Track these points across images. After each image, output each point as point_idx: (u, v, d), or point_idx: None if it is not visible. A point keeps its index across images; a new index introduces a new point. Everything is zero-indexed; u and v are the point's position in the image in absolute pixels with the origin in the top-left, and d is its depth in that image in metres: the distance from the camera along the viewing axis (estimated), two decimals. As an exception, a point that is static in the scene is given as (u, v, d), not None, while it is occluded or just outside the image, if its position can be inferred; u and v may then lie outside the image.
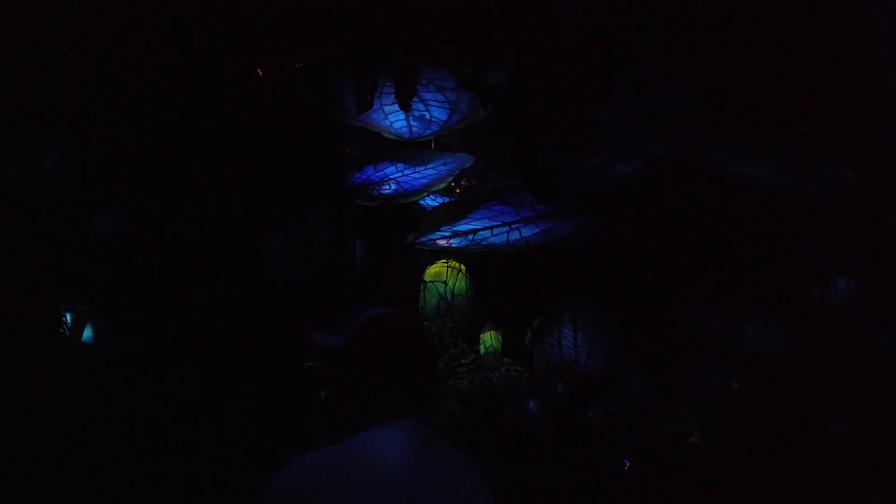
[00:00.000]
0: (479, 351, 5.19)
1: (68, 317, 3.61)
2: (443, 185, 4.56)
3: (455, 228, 4.66)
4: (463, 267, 5.21)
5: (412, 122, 4.21)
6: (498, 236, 4.75)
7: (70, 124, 3.90)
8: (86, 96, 3.94)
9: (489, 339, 5.22)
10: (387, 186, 4.54)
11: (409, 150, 4.42)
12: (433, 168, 4.43)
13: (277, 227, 4.97)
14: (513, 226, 4.67)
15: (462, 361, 5.14)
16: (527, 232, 4.70)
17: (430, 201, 5.13)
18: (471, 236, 4.72)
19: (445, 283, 5.13)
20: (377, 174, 4.41)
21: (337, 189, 4.82)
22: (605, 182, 3.36)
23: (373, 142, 4.58)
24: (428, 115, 4.13)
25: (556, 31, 2.84)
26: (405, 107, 3.54)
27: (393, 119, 4.24)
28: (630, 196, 3.62)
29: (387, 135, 4.37)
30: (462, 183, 5.21)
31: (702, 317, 5.31)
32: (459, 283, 5.16)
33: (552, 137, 3.24)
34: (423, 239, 4.66)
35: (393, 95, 4.07)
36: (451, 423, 4.86)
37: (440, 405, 4.80)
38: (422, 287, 5.19)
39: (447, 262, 5.19)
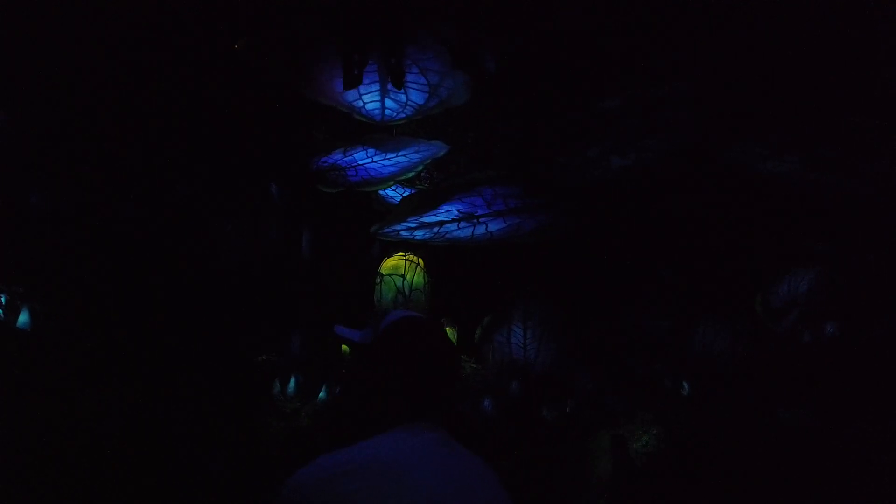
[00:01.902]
0: (434, 348, 5.04)
1: (2, 299, 3.17)
2: (411, 175, 4.37)
3: (422, 220, 4.49)
4: (421, 261, 5.05)
5: (386, 104, 3.99)
6: (463, 230, 4.62)
7: (9, 97, 3.47)
8: (28, 69, 3.52)
9: (445, 335, 5.08)
10: (353, 172, 4.30)
11: (382, 134, 4.19)
12: (404, 155, 4.23)
13: (226, 212, 4.64)
14: (480, 219, 4.55)
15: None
16: (493, 226, 4.59)
17: (391, 192, 4.93)
18: (436, 228, 4.56)
19: (403, 276, 4.94)
20: (346, 159, 4.16)
21: (295, 174, 4.54)
22: (599, 175, 3.29)
23: (340, 123, 4.33)
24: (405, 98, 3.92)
25: (569, 13, 2.74)
26: (398, 84, 3.33)
27: (367, 99, 4.00)
28: (613, 193, 3.57)
29: (357, 116, 4.12)
30: (422, 175, 5.03)
31: (653, 317, 5.38)
32: (418, 277, 4.99)
33: (552, 125, 3.13)
34: (387, 230, 4.46)
35: (371, 73, 3.85)
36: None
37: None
38: (378, 280, 4.98)
39: (405, 256, 5.01)
